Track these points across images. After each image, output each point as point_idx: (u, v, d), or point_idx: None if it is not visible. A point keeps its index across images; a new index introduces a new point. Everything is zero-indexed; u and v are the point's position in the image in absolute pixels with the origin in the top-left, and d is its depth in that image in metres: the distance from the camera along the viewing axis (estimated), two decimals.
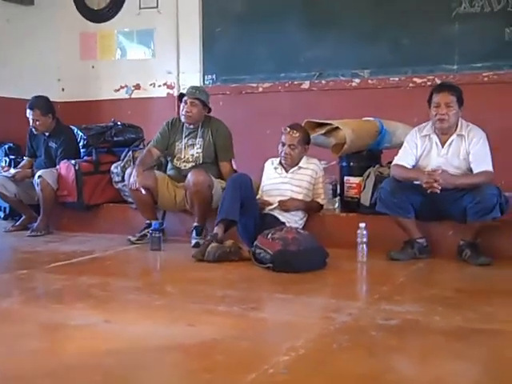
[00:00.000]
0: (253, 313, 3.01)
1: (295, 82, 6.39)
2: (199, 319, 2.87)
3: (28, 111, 5.52)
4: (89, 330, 2.75)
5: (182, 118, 4.95)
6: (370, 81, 6.13)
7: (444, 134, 4.17)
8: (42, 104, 5.54)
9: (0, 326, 2.85)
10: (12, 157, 6.17)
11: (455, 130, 4.15)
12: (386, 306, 3.06)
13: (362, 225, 4.11)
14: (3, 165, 5.96)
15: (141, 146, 5.58)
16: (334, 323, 2.78)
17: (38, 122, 5.53)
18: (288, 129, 4.52)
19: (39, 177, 5.34)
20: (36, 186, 5.36)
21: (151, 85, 7.03)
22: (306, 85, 6.36)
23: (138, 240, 4.89)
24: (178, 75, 6.92)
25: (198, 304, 3.13)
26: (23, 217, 5.69)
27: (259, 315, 3.01)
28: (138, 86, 7.09)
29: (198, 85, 6.60)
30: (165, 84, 6.96)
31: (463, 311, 2.95)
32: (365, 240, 4.09)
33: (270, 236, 3.96)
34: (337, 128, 4.68)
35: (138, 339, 2.60)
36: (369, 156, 4.80)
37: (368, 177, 4.59)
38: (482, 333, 2.70)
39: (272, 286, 3.61)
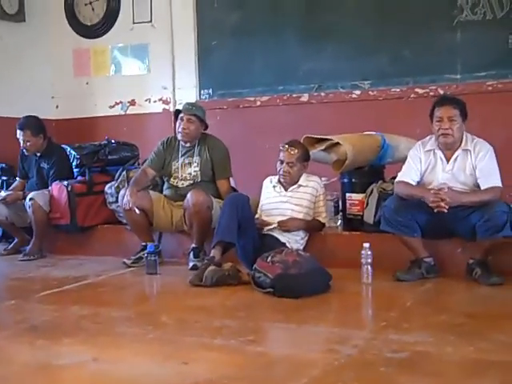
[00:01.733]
0: (251, 346, 2.81)
1: (294, 95, 6.23)
2: (194, 355, 2.68)
3: (18, 132, 5.35)
4: (75, 370, 2.56)
5: (179, 136, 4.77)
6: (370, 92, 5.96)
7: (448, 150, 4.00)
8: (32, 124, 5.37)
9: None
10: (4, 178, 6.02)
11: (460, 144, 3.97)
12: (393, 335, 2.87)
13: (367, 245, 3.92)
14: None
15: (135, 165, 5.41)
16: (339, 357, 2.59)
17: (28, 143, 5.36)
18: (286, 146, 4.34)
19: (30, 199, 5.16)
20: (28, 208, 5.19)
21: (146, 100, 6.87)
22: (304, 97, 6.20)
23: (133, 263, 4.72)
24: (174, 90, 6.76)
25: (194, 337, 2.94)
26: (16, 240, 5.51)
27: (258, 349, 2.80)
28: (133, 102, 6.94)
29: (195, 99, 6.48)
30: (160, 99, 6.81)
31: (476, 341, 2.75)
32: (369, 261, 3.90)
33: (269, 259, 3.77)
34: (337, 143, 4.50)
35: (127, 381, 2.42)
36: (371, 172, 4.62)
37: (371, 193, 4.41)
38: (497, 366, 2.50)
39: (272, 314, 3.42)
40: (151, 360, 2.66)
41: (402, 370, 2.47)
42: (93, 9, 7.00)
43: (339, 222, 4.80)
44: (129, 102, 6.95)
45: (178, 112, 4.82)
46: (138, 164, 5.43)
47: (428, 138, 4.10)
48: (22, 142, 5.38)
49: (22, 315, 3.58)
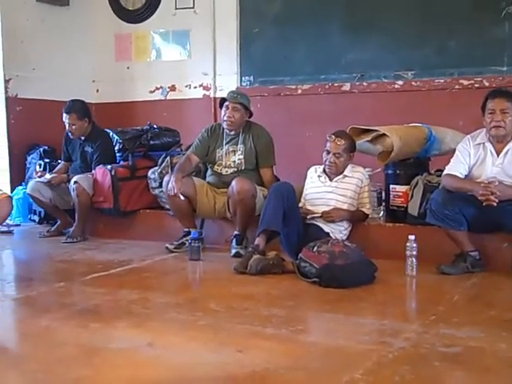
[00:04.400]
0: (302, 336, 2.84)
1: (335, 84, 6.20)
2: (248, 343, 2.71)
3: (64, 115, 5.40)
4: (131, 355, 2.61)
5: (224, 124, 4.79)
6: (413, 83, 5.91)
7: (499, 143, 3.96)
8: (78, 108, 5.42)
9: (40, 348, 2.73)
10: (47, 160, 6.09)
11: (511, 138, 3.93)
12: (444, 329, 2.87)
13: (412, 237, 3.91)
14: (38, 169, 5.86)
15: (179, 151, 5.44)
16: (392, 350, 2.60)
17: (74, 127, 5.41)
18: (333, 136, 4.32)
19: (75, 182, 5.23)
20: (72, 191, 5.26)
21: (187, 86, 6.90)
22: (346, 87, 6.16)
23: (176, 248, 4.76)
24: (215, 76, 6.77)
25: (245, 325, 2.97)
26: (58, 222, 5.59)
27: (310, 339, 2.84)
28: (173, 88, 6.97)
29: (235, 86, 6.49)
30: (201, 85, 6.82)
31: None
32: (414, 253, 3.89)
33: (315, 249, 3.79)
34: (383, 135, 4.48)
35: (184, 368, 2.45)
36: (416, 164, 4.59)
37: (416, 185, 4.39)
38: None
39: (319, 304, 3.43)
40: (205, 347, 2.69)
41: (456, 366, 2.47)
42: None
43: (381, 213, 4.79)
44: (169, 88, 6.98)
45: (223, 100, 4.83)
46: (181, 150, 5.46)
47: (478, 131, 4.06)
48: (67, 126, 5.43)
49: (72, 298, 3.65)
